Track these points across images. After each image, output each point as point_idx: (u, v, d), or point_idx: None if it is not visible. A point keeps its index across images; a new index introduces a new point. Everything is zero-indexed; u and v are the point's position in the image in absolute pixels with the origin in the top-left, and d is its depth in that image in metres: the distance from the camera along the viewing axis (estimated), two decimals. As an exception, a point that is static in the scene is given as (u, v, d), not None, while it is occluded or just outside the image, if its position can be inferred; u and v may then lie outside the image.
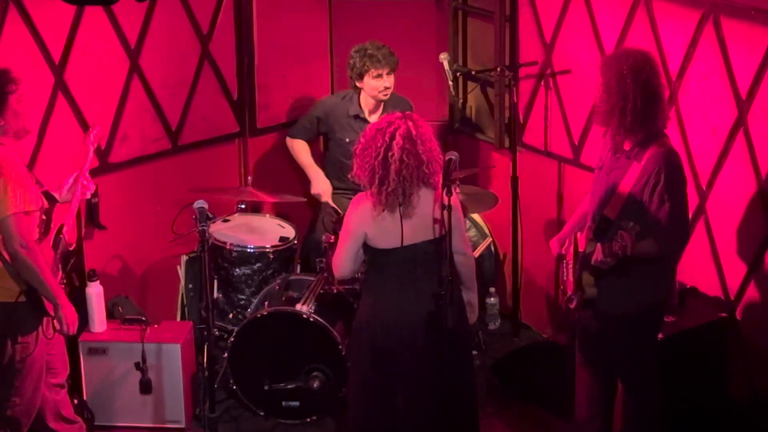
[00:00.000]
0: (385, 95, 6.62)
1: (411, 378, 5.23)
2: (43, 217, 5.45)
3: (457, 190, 6.14)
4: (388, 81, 6.59)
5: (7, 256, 5.28)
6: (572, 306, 5.36)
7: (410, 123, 5.06)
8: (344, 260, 5.23)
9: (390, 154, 5.02)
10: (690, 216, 5.36)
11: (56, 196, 5.61)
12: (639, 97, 5.04)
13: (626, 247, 4.89)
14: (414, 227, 5.12)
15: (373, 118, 6.65)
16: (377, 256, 5.19)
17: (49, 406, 5.67)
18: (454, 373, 5.18)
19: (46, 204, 5.47)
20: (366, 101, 6.69)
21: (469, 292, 5.41)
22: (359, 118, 6.69)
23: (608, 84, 5.10)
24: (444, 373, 5.12)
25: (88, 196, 5.73)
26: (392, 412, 5.28)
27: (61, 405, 5.73)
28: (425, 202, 5.12)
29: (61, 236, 5.54)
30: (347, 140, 6.65)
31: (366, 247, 5.20)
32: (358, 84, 6.64)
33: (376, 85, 6.59)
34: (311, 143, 6.93)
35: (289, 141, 6.90)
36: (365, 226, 5.15)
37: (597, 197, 5.29)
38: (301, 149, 6.87)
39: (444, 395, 5.17)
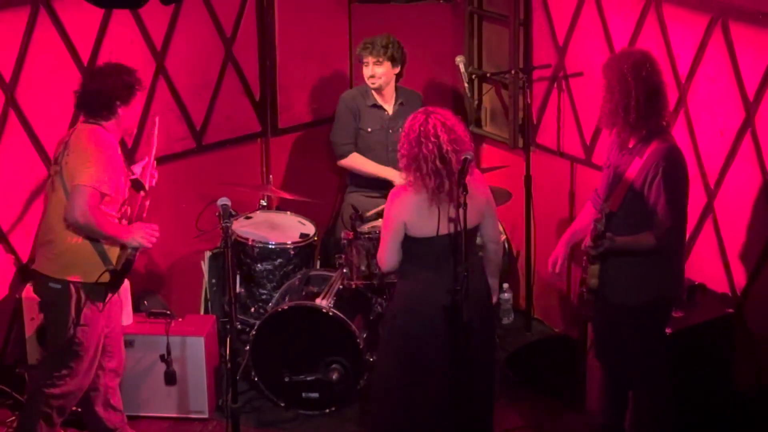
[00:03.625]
0: (372, 84, 6.63)
1: (435, 366, 5.30)
2: (127, 207, 5.50)
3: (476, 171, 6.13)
4: (373, 71, 6.58)
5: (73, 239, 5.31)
6: (584, 300, 5.42)
7: (440, 118, 5.15)
8: (388, 252, 5.32)
9: (443, 149, 5.11)
10: (694, 212, 5.42)
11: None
12: (641, 94, 5.12)
13: (599, 221, 5.04)
14: (449, 218, 5.20)
15: (387, 108, 6.71)
16: (413, 245, 5.27)
17: (101, 392, 5.73)
18: (475, 366, 5.26)
19: (126, 196, 5.49)
20: (374, 91, 6.72)
21: (492, 278, 5.49)
22: (377, 107, 6.72)
23: (610, 84, 5.19)
24: (464, 366, 5.19)
25: (154, 184, 5.75)
26: (415, 398, 5.36)
27: (111, 392, 5.80)
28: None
29: None
30: (369, 129, 6.69)
31: (403, 237, 5.29)
32: None
33: (365, 71, 6.63)
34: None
35: (344, 162, 6.76)
36: (405, 215, 5.23)
37: (602, 192, 5.38)
38: (362, 162, 6.72)
39: (464, 387, 5.24)
